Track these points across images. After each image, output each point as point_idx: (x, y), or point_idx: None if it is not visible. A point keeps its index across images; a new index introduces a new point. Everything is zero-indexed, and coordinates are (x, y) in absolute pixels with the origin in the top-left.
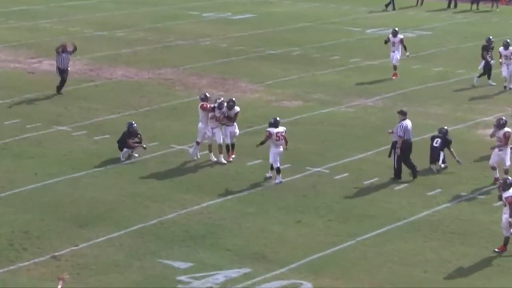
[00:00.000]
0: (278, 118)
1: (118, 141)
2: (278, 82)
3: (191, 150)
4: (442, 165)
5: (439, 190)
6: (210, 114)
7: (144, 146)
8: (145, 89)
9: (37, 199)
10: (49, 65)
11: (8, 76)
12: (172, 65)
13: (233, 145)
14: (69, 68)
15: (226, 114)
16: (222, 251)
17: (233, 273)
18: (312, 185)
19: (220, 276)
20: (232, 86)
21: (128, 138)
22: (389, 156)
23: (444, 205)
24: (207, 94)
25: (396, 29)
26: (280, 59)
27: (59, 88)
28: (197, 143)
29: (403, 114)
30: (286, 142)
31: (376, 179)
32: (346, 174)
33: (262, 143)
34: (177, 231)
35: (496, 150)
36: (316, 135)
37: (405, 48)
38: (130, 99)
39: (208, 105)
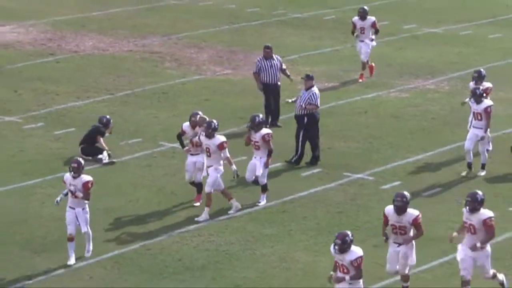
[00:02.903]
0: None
1: (84, 142)
2: (305, 57)
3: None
4: None
5: None
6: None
7: (105, 159)
8: (124, 66)
9: None
10: None
11: None
12: (160, 33)
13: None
14: None
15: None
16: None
17: None
18: (351, 197)
19: None
20: (243, 62)
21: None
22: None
23: None
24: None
25: (365, 7)
26: (308, 25)
27: None
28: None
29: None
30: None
31: (438, 189)
32: (397, 183)
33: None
34: (168, 260)
35: None
36: (357, 130)
37: (376, 32)
38: (104, 79)
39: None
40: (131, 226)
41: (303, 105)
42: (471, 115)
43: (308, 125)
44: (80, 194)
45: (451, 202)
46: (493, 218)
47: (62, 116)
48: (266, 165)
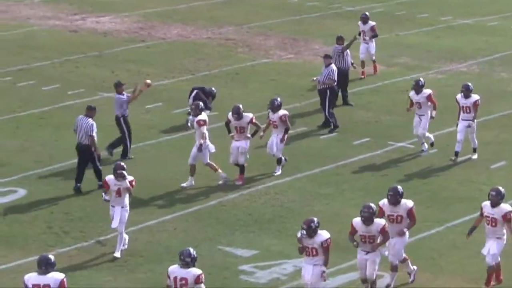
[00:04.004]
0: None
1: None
2: (357, 44)
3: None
4: None
5: None
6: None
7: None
8: (203, 51)
9: None
10: (93, 22)
11: (47, 35)
12: (234, 23)
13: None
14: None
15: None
16: (290, 238)
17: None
18: (395, 162)
19: (289, 266)
20: (304, 48)
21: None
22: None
23: None
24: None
25: (367, 13)
26: (359, 17)
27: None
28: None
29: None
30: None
31: (468, 156)
32: (434, 151)
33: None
34: (240, 214)
35: None
36: (400, 105)
37: (375, 36)
38: (186, 62)
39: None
40: (209, 186)
41: (324, 80)
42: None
43: (331, 97)
44: (128, 197)
45: (480, 167)
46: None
47: (152, 93)
48: (282, 140)
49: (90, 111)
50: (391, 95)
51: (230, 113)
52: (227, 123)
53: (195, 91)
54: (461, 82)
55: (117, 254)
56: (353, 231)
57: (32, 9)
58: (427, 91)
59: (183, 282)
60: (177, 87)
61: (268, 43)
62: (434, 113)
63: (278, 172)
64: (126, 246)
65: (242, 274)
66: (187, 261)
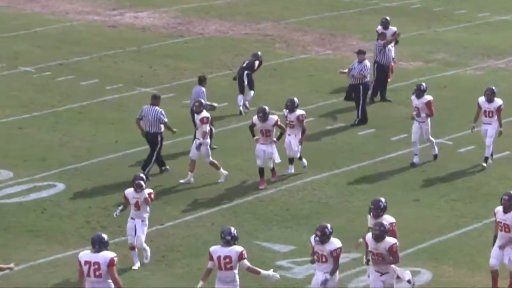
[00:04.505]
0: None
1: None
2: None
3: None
4: None
5: None
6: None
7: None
8: (241, 47)
9: (117, 171)
10: (132, 17)
11: (85, 30)
12: (272, 19)
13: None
14: None
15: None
16: None
17: (341, 258)
18: (432, 159)
19: None
20: (342, 44)
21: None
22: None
23: None
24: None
25: (387, 18)
26: (396, 13)
27: None
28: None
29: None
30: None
31: (507, 153)
32: (472, 147)
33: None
34: (277, 210)
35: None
36: (437, 101)
37: (396, 42)
38: (224, 57)
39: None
40: (246, 181)
41: (357, 75)
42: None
43: (364, 92)
44: (148, 210)
45: None
46: None
47: (190, 87)
48: (300, 142)
49: (155, 100)
50: (428, 91)
51: (255, 116)
52: (252, 127)
53: (246, 73)
54: (499, 79)
55: (136, 267)
56: (366, 245)
57: (71, 4)
58: (427, 97)
59: (227, 260)
60: (215, 83)
61: (306, 38)
62: (428, 120)
63: (291, 171)
64: (148, 260)
65: (279, 270)
66: (228, 240)
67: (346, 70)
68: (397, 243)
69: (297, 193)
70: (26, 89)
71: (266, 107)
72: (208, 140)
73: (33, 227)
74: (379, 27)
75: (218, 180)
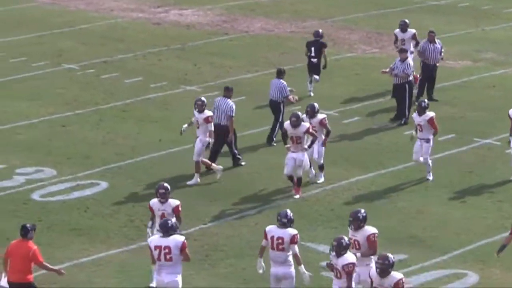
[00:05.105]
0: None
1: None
2: (442, 39)
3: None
4: None
5: None
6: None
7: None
8: (287, 45)
9: (161, 169)
10: (176, 15)
11: (130, 28)
12: (318, 17)
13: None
14: None
15: None
16: None
17: None
18: (481, 159)
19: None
20: (388, 42)
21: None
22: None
23: None
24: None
25: (406, 20)
26: (444, 11)
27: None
28: None
29: None
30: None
31: None
32: None
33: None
34: (322, 210)
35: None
36: (486, 101)
37: (416, 44)
38: (269, 55)
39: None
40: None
41: (400, 74)
42: None
43: (409, 91)
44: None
45: None
46: None
47: (234, 86)
48: (323, 144)
49: (228, 92)
50: (477, 90)
51: (287, 122)
52: (284, 133)
53: (313, 44)
54: None
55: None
56: (371, 281)
57: (115, 1)
58: (429, 114)
59: (280, 241)
60: (261, 81)
61: (352, 37)
62: (431, 140)
63: (321, 180)
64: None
65: (324, 270)
66: (284, 222)
67: (387, 70)
68: (403, 279)
69: (342, 193)
70: (70, 87)
71: (299, 113)
72: (208, 139)
73: (76, 225)
74: (397, 30)
75: (217, 176)
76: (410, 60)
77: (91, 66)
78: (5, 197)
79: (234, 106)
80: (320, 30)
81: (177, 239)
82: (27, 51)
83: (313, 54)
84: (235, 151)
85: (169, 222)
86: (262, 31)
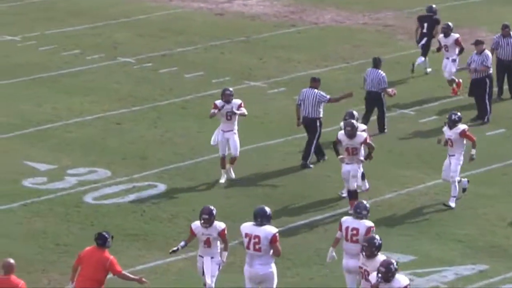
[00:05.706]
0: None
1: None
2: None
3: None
4: None
5: None
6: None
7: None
8: (359, 37)
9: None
10: (240, 5)
11: (190, 18)
12: (393, 8)
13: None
14: None
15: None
16: (451, 243)
17: (466, 270)
18: None
19: (449, 273)
20: (468, 35)
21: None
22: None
23: None
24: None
25: (450, 24)
26: None
27: None
28: None
29: None
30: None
31: None
32: None
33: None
34: (396, 216)
35: None
36: None
37: (461, 51)
38: (340, 49)
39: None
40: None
41: (479, 68)
42: None
43: (490, 85)
44: (219, 244)
45: None
46: None
47: (303, 82)
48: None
49: (315, 82)
50: None
51: (340, 132)
52: (336, 144)
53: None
54: None
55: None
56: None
57: None
58: (461, 127)
59: (354, 232)
60: (330, 76)
61: None
62: (473, 151)
63: (367, 186)
64: None
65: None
66: (361, 213)
67: (464, 66)
68: (409, 285)
69: (418, 197)
70: (126, 82)
71: (355, 122)
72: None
73: (132, 230)
74: (441, 36)
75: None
76: (487, 51)
77: (148, 59)
78: (56, 200)
79: (322, 93)
80: (434, 5)
81: (269, 230)
82: (80, 43)
83: (425, 30)
84: (317, 146)
85: (266, 210)
86: (333, 22)
